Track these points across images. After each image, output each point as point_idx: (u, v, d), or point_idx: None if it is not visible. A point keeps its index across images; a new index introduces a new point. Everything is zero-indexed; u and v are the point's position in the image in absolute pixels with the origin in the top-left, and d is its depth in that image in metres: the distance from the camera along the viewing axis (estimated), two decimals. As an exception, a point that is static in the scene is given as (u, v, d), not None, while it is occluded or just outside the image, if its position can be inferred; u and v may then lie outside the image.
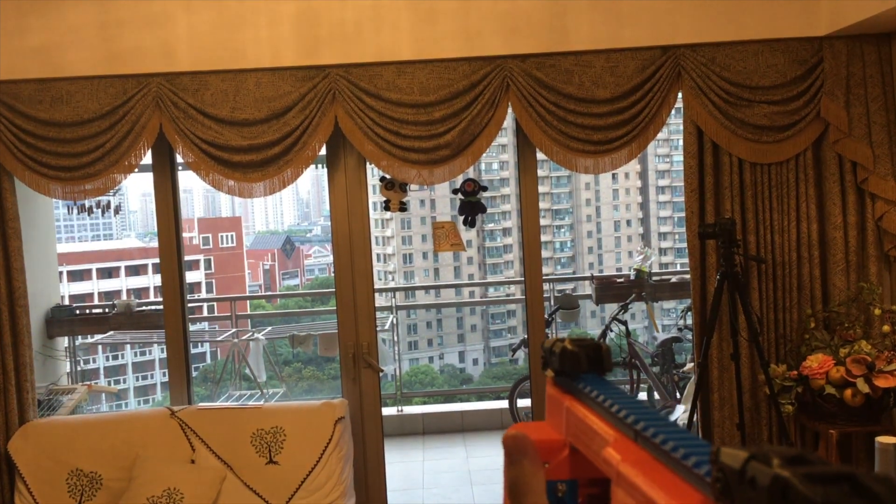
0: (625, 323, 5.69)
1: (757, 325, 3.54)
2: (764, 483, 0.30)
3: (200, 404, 3.84)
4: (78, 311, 4.80)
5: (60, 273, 5.39)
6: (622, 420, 0.43)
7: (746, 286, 3.59)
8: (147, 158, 3.69)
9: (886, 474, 0.30)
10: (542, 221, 4.08)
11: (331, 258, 4.02)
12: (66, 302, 4.91)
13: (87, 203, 4.47)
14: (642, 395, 5.65)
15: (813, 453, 0.32)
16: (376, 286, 3.91)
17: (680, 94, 3.61)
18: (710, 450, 0.35)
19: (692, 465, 0.36)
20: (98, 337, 5.63)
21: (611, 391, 0.46)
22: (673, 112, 3.67)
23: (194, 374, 4.16)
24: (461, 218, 3.96)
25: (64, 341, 4.93)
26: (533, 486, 0.46)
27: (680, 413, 4.73)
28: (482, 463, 5.21)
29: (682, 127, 3.67)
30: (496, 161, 35.11)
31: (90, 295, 29.12)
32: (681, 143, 3.73)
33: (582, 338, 0.51)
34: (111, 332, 5.30)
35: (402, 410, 6.00)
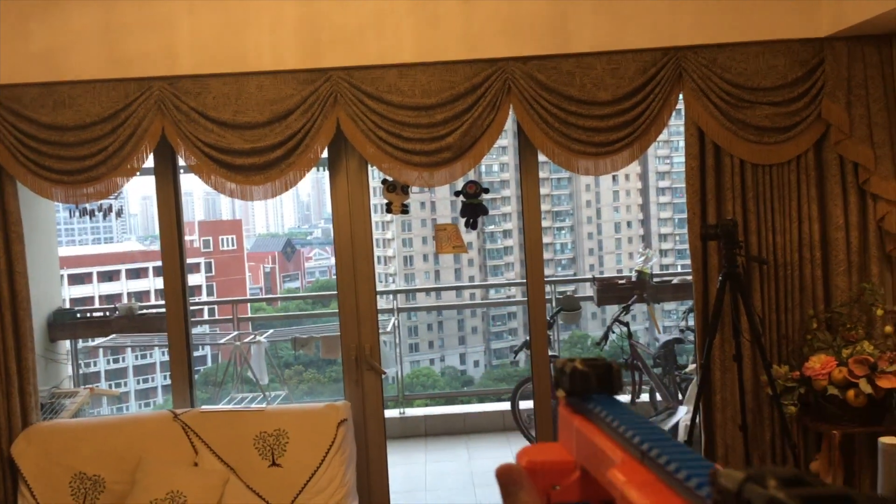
0: (626, 324, 5.68)
1: (759, 327, 3.54)
2: None
3: (203, 407, 3.84)
4: (80, 315, 4.80)
5: (62, 276, 5.39)
6: (629, 440, 0.43)
7: (748, 287, 3.59)
8: (148, 161, 3.70)
9: (884, 496, 0.30)
10: (543, 223, 4.13)
11: (331, 261, 4.04)
12: (68, 305, 4.92)
13: (88, 206, 4.47)
14: (644, 397, 5.65)
15: (811, 474, 0.32)
16: (377, 289, 3.91)
17: (681, 96, 3.61)
18: (709, 471, 0.35)
19: (694, 486, 0.36)
20: (99, 340, 5.63)
21: (619, 411, 0.47)
22: (673, 114, 3.67)
23: (196, 377, 4.16)
24: (463, 220, 3.97)
25: (66, 345, 4.93)
26: None
27: (682, 414, 4.73)
28: (485, 465, 5.21)
29: (682, 128, 3.67)
30: (497, 163, 35.12)
31: (91, 298, 29.11)
32: (681, 144, 3.74)
33: (594, 358, 0.51)
34: (113, 336, 5.31)
35: (404, 413, 6.00)
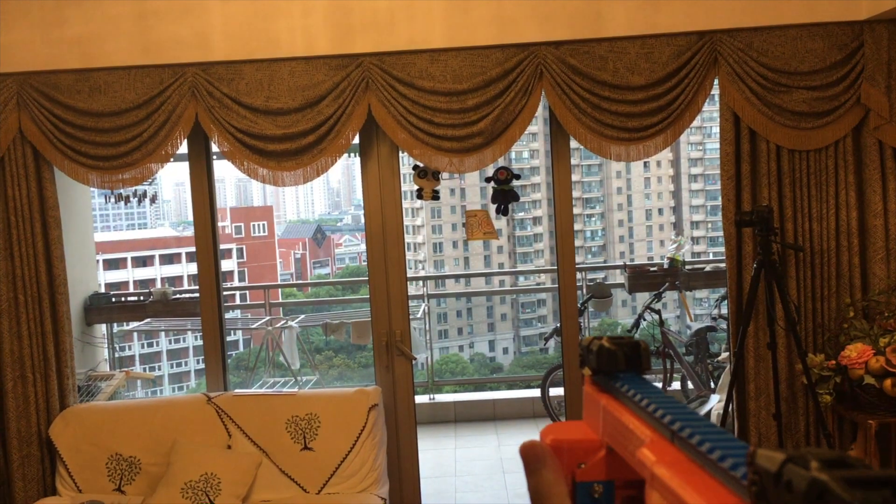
0: (658, 312, 5.64)
1: (794, 315, 3.49)
2: (801, 487, 0.29)
3: (236, 391, 3.89)
4: (115, 299, 4.88)
5: (97, 261, 5.47)
6: (659, 420, 0.42)
7: (784, 275, 3.54)
8: (182, 148, 3.73)
9: None
10: (574, 210, 4.09)
11: (361, 247, 4.05)
12: (104, 290, 4.99)
13: (123, 192, 4.53)
14: (676, 385, 5.62)
15: (853, 456, 0.31)
16: (407, 275, 3.92)
17: (716, 81, 3.56)
18: (747, 451, 0.34)
19: (728, 467, 0.35)
20: (134, 324, 5.71)
21: (648, 390, 0.46)
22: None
23: (228, 361, 4.20)
24: (493, 206, 3.96)
25: (102, 328, 5.01)
26: (555, 494, 0.46)
27: (715, 403, 4.69)
28: (514, 451, 5.22)
29: (715, 114, 3.62)
30: (527, 149, 34.96)
31: (125, 283, 29.56)
32: (714, 130, 3.70)
33: (620, 336, 0.50)
34: (147, 320, 5.38)
35: (433, 398, 6.02)
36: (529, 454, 0.47)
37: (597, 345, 0.49)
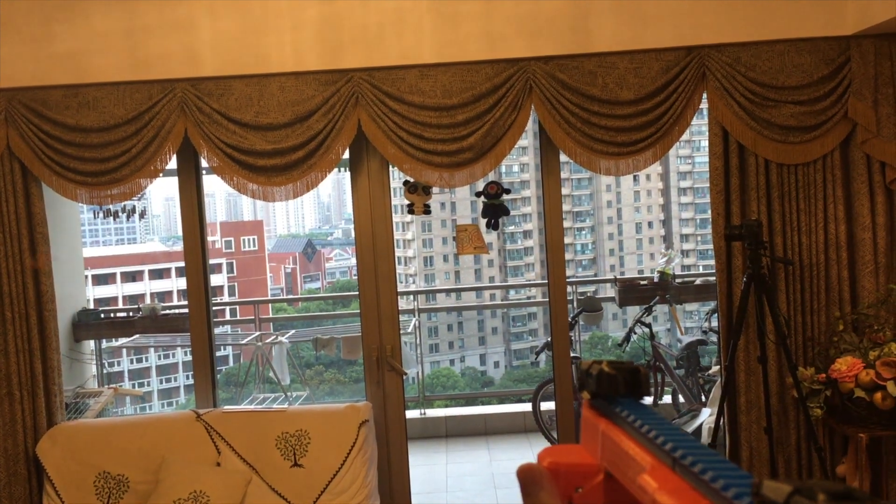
0: (648, 325, 5.65)
1: (784, 328, 3.50)
2: None
3: (226, 407, 3.86)
4: (104, 315, 4.84)
5: (86, 277, 5.44)
6: (660, 446, 0.42)
7: (773, 288, 3.55)
8: (171, 163, 3.72)
9: None
10: (564, 224, 4.10)
11: (351, 261, 4.04)
12: (92, 306, 4.96)
13: (112, 207, 4.51)
14: (667, 399, 5.61)
15: (860, 490, 0.31)
16: (398, 289, 3.91)
17: (705, 95, 3.58)
18: (750, 481, 0.34)
19: (732, 496, 0.35)
20: (123, 340, 5.68)
21: (649, 416, 0.46)
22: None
23: (218, 377, 4.18)
24: (483, 221, 3.96)
25: (90, 345, 4.98)
26: None
27: (706, 417, 4.69)
28: (505, 466, 5.20)
29: (704, 128, 3.64)
30: (517, 163, 35.05)
31: (114, 298, 29.40)
32: (703, 144, 3.71)
33: (620, 360, 0.50)
34: (136, 336, 5.35)
35: (424, 413, 6.00)
36: (526, 477, 0.47)
37: (596, 369, 0.49)
